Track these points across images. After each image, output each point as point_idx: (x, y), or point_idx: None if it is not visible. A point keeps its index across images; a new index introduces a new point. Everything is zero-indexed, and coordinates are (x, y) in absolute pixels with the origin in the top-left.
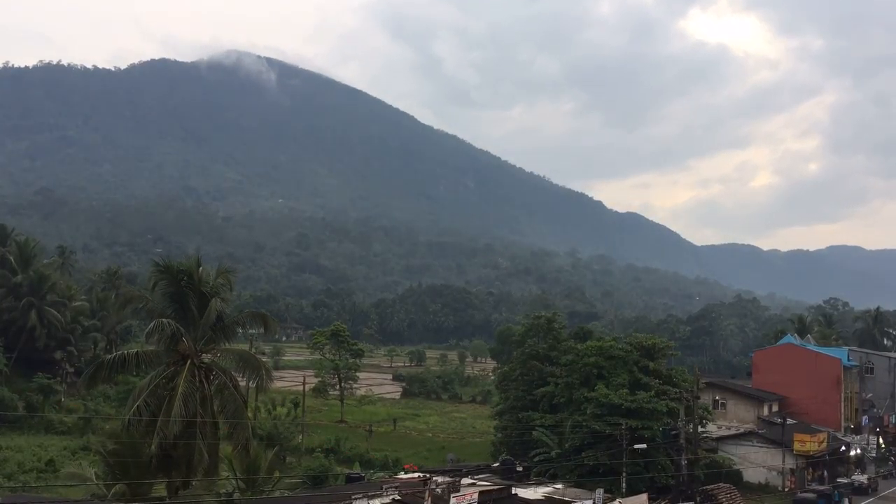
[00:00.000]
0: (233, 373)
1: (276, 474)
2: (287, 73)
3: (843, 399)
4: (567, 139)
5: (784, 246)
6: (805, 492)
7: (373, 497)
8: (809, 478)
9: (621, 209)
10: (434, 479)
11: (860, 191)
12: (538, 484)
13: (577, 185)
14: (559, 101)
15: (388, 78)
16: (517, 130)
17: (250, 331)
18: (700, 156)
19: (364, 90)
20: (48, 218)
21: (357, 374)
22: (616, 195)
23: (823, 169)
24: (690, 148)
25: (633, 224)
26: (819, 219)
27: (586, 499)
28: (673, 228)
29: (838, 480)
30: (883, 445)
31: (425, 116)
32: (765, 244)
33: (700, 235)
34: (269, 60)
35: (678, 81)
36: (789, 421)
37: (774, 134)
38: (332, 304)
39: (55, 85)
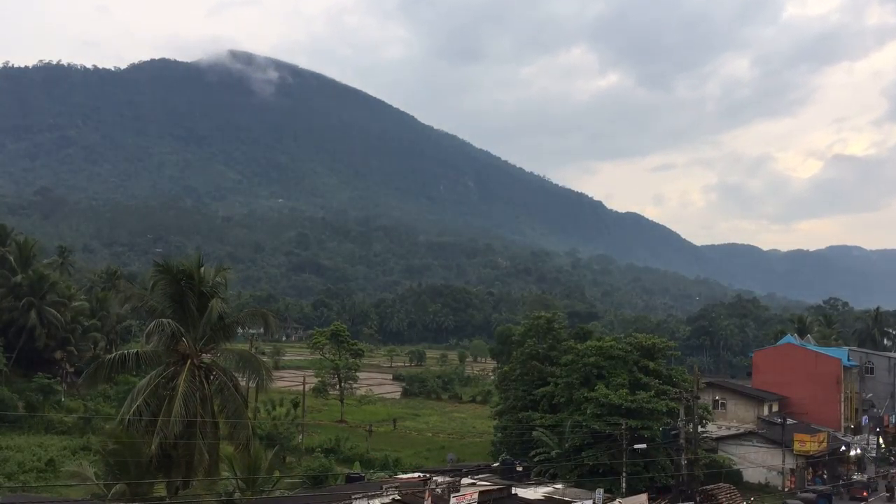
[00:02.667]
0: (233, 373)
1: (276, 474)
2: (287, 73)
3: (843, 399)
4: (582, 109)
5: (784, 246)
6: (805, 492)
7: (373, 497)
8: (809, 478)
9: (627, 202)
10: (434, 479)
11: None
12: (538, 484)
13: (586, 167)
14: (572, 56)
15: (374, 24)
16: (523, 101)
17: (250, 331)
18: (735, 127)
19: (363, 90)
20: (48, 218)
21: (357, 374)
22: (630, 177)
23: (876, 145)
24: (723, 117)
25: (633, 224)
26: (860, 208)
27: (586, 499)
28: (687, 221)
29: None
30: (883, 445)
31: (418, 72)
32: (765, 244)
33: (719, 228)
34: (269, 60)
35: (722, 28)
36: (789, 421)
37: (826, 97)
38: (332, 304)
39: (55, 85)
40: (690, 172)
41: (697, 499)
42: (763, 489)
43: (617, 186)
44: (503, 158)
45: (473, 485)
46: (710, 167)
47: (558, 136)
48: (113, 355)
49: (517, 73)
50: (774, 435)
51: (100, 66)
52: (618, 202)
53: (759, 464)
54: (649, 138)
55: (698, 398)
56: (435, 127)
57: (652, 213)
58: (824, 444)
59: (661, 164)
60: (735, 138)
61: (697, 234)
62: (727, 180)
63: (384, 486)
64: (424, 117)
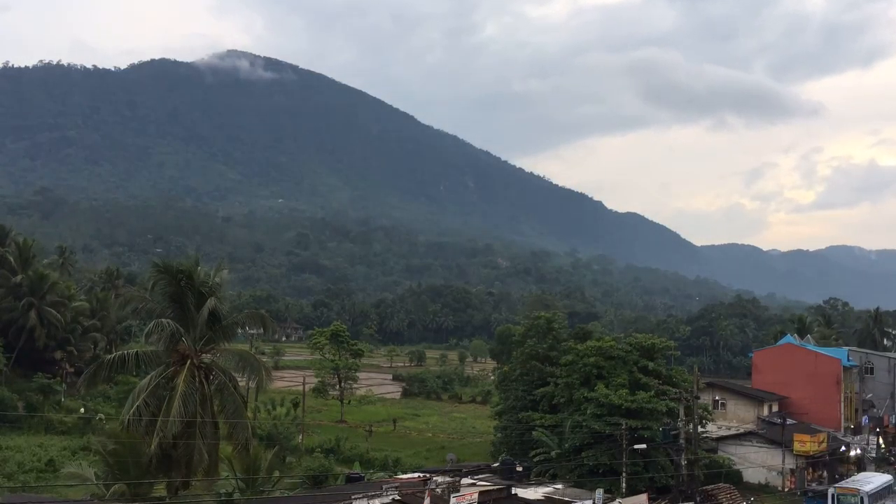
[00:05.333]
0: (232, 373)
1: (276, 474)
2: (287, 72)
3: (843, 399)
4: (599, 72)
5: (784, 246)
6: (808, 490)
7: (373, 497)
8: (809, 478)
9: (636, 194)
10: (434, 479)
11: None
12: (538, 484)
13: (595, 143)
14: None
15: None
16: (530, 63)
17: (250, 331)
18: (786, 88)
19: (365, 90)
20: (48, 218)
21: (357, 374)
22: (644, 156)
23: None
24: (774, 72)
25: (633, 224)
26: None
27: (586, 499)
28: (696, 215)
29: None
30: (883, 445)
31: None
32: (765, 244)
33: (722, 228)
34: (269, 60)
35: None
36: (789, 421)
37: None
38: (332, 304)
39: (55, 85)
40: (715, 151)
41: (697, 499)
42: (763, 489)
43: (625, 173)
44: (503, 158)
45: (473, 485)
46: (739, 142)
47: (570, 106)
48: (113, 355)
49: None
50: (774, 435)
51: (100, 66)
52: (624, 195)
53: (759, 464)
54: (674, 106)
55: (698, 398)
56: (435, 127)
57: (660, 203)
58: (824, 445)
59: (681, 143)
60: (783, 103)
61: (697, 234)
62: (760, 159)
63: (384, 486)
64: (419, 88)
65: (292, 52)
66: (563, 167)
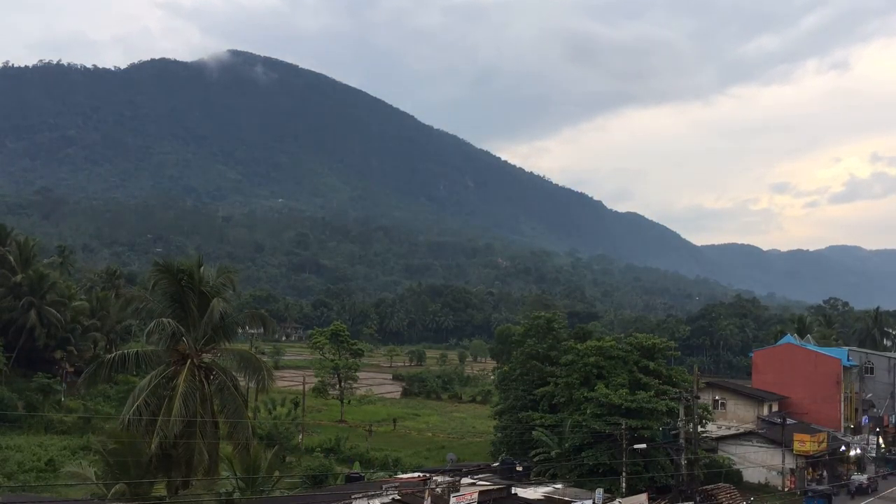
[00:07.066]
0: (233, 373)
1: (276, 474)
2: (287, 73)
3: (842, 399)
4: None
5: (784, 246)
6: (808, 490)
7: (373, 497)
8: (809, 478)
9: (625, 204)
10: (434, 479)
11: None
12: (538, 484)
13: (606, 122)
14: None
15: None
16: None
17: (250, 331)
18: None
19: (364, 90)
20: (48, 218)
21: (357, 373)
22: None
23: None
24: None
25: (633, 224)
26: None
27: (586, 499)
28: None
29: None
30: (883, 445)
31: None
32: (765, 244)
33: (720, 228)
34: (269, 60)
35: None
36: (789, 421)
37: None
38: (332, 304)
39: (55, 85)
40: (723, 146)
41: (697, 499)
42: (763, 489)
43: (626, 166)
44: (503, 158)
45: (473, 485)
46: (747, 137)
47: (573, 80)
48: (113, 355)
49: None
50: (774, 435)
51: (100, 66)
52: (624, 194)
53: (758, 464)
54: (711, 72)
55: (698, 398)
56: (435, 127)
57: (661, 201)
58: (824, 444)
59: (685, 138)
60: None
61: (698, 233)
62: (772, 152)
63: (384, 486)
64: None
65: (261, 12)
66: (563, 155)
